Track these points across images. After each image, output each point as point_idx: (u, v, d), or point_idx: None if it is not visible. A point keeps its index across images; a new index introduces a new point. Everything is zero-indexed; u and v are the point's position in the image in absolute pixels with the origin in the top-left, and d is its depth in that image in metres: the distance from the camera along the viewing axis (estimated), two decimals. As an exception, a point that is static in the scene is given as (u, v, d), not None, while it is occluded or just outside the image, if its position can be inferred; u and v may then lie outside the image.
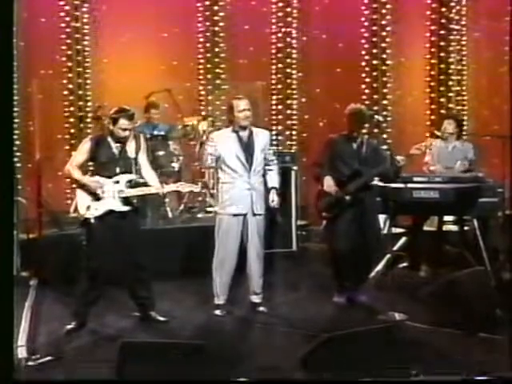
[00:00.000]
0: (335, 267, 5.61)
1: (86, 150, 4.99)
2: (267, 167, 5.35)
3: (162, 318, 5.11)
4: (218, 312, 5.30)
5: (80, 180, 4.95)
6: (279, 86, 9.32)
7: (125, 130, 4.93)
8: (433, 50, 9.14)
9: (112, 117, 4.96)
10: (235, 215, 5.23)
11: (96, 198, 4.91)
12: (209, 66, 9.11)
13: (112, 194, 4.91)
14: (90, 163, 5.17)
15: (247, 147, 5.25)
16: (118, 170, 4.96)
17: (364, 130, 5.51)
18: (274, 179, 5.37)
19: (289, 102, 9.31)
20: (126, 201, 4.95)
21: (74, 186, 5.10)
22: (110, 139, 4.99)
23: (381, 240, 5.81)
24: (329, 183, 5.43)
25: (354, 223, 5.46)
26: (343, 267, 5.56)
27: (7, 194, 3.37)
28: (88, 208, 4.90)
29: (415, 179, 5.97)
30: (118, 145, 4.98)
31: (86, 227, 4.97)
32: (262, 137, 5.34)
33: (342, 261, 5.53)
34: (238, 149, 5.23)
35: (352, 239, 5.45)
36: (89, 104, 8.79)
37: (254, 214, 5.23)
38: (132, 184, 4.97)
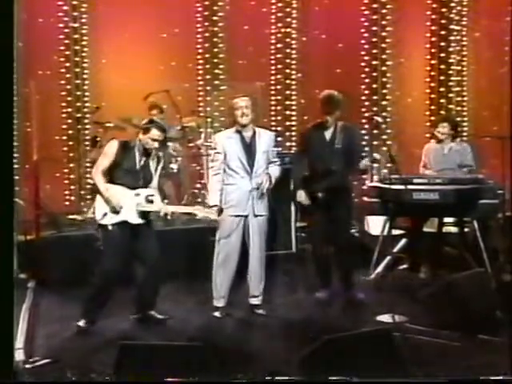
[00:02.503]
0: (316, 264, 5.78)
1: (113, 154, 4.99)
2: (270, 165, 5.35)
3: (161, 316, 5.16)
4: (216, 314, 5.32)
5: (102, 192, 4.96)
6: (278, 87, 9.34)
7: (155, 140, 4.98)
8: (433, 50, 9.17)
9: (144, 126, 5.01)
10: (236, 216, 5.24)
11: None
12: (208, 66, 9.12)
13: (130, 206, 4.97)
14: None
15: (249, 148, 5.25)
16: (139, 181, 5.03)
17: (334, 116, 5.52)
18: (272, 169, 5.34)
19: (288, 102, 9.33)
20: (142, 214, 5.01)
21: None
22: (136, 150, 5.03)
23: (353, 240, 5.86)
24: (301, 198, 5.60)
25: (326, 221, 5.59)
26: (320, 264, 5.73)
27: (6, 196, 3.39)
28: (104, 215, 4.96)
29: (415, 181, 5.99)
30: (143, 158, 5.03)
31: (101, 231, 5.05)
32: (264, 138, 5.33)
33: (317, 258, 5.72)
34: (239, 150, 5.24)
35: (324, 237, 5.63)
36: (87, 105, 8.80)
37: (255, 215, 5.25)
38: (151, 199, 5.02)
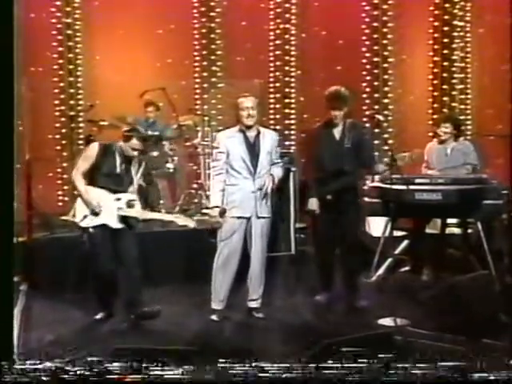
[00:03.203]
0: (319, 267, 5.74)
1: (93, 157, 5.15)
2: (273, 166, 5.33)
3: (153, 309, 5.24)
4: (214, 317, 5.31)
5: (82, 194, 5.14)
6: (277, 84, 9.36)
7: (134, 150, 5.15)
8: (436, 47, 9.16)
9: (125, 134, 5.15)
10: (239, 218, 5.22)
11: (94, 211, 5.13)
12: (205, 63, 9.14)
13: (110, 210, 5.12)
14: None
15: (253, 149, 5.23)
16: (119, 184, 5.19)
17: (342, 112, 5.44)
18: (275, 170, 5.34)
19: (287, 100, 9.35)
20: (122, 219, 5.15)
21: (75, 193, 5.35)
22: (117, 154, 5.18)
23: (359, 242, 5.83)
24: (314, 206, 5.51)
25: (334, 223, 5.54)
26: (324, 267, 5.70)
27: (6, 198, 3.41)
28: (84, 217, 5.13)
29: (417, 181, 5.99)
30: (124, 163, 5.18)
31: (84, 233, 5.21)
32: (268, 138, 5.31)
33: (322, 260, 5.69)
34: (243, 150, 5.21)
35: (331, 239, 5.59)
36: (80, 103, 8.81)
37: (258, 217, 5.24)
38: (132, 204, 5.17)
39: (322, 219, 5.57)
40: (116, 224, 5.13)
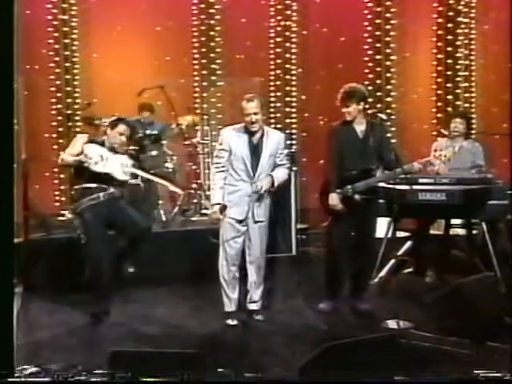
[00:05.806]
0: (329, 271, 5.61)
1: (81, 145, 5.40)
2: (276, 168, 5.27)
3: (131, 270, 5.63)
4: (229, 321, 5.28)
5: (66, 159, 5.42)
6: (278, 83, 9.37)
7: (122, 134, 5.44)
8: (439, 44, 9.19)
9: (112, 122, 5.50)
10: (232, 219, 5.21)
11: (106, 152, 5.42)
12: (204, 61, 9.14)
13: (116, 164, 5.45)
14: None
15: (255, 150, 5.17)
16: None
17: (356, 108, 5.33)
18: (278, 172, 5.27)
19: (288, 99, 9.36)
20: (128, 173, 5.56)
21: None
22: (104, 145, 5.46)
23: (375, 247, 5.81)
24: (334, 202, 5.35)
25: (356, 225, 5.47)
26: (337, 271, 5.58)
27: (6, 199, 3.42)
28: (96, 163, 5.32)
29: (421, 180, 5.99)
30: (110, 152, 5.45)
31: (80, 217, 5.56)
32: (273, 140, 5.23)
33: (336, 264, 5.55)
34: (245, 151, 5.16)
35: (347, 240, 5.49)
36: (77, 101, 8.81)
37: (256, 222, 5.23)
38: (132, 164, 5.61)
39: (342, 218, 5.41)
40: (123, 176, 5.48)
